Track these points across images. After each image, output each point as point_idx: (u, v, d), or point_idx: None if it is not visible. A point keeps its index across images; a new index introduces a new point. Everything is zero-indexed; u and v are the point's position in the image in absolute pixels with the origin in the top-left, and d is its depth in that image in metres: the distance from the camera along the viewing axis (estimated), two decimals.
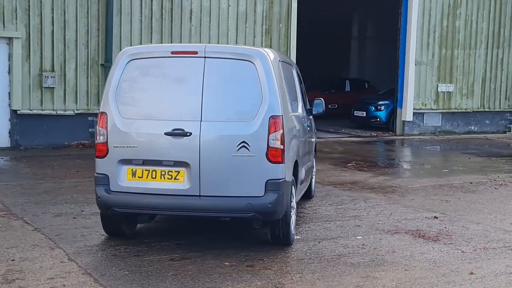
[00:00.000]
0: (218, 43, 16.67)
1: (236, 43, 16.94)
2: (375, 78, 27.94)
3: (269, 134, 6.35)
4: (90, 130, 15.29)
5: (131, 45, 15.17)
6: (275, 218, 6.51)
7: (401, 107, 20.21)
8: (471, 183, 11.45)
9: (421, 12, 19.89)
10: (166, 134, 6.44)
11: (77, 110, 15.27)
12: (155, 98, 6.64)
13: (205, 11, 16.56)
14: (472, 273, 6.10)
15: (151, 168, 6.50)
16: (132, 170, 6.54)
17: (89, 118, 15.36)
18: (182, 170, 6.43)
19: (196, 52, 6.58)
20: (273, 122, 6.37)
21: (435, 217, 8.50)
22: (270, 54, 6.68)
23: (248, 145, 6.35)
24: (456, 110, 21.02)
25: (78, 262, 6.18)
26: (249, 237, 7.32)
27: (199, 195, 6.43)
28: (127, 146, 6.53)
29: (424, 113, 20.46)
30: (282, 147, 6.40)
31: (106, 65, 15.15)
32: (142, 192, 6.52)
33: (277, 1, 17.50)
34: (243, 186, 6.39)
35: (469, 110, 21.25)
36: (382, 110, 21.26)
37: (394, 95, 20.70)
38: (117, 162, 6.54)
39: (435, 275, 5.99)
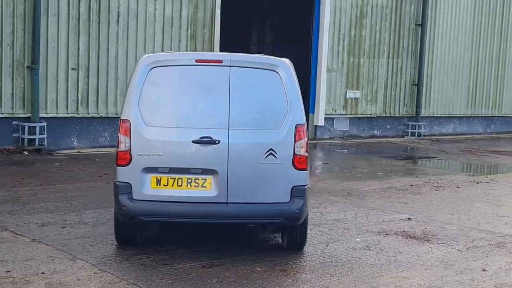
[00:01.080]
0: (145, 47, 16.57)
1: (163, 48, 16.90)
2: None
3: (295, 142, 6.56)
4: (14, 135, 14.66)
5: (57, 47, 14.80)
6: (299, 223, 6.73)
7: (313, 113, 20.93)
8: (411, 185, 12.18)
9: (332, 21, 20.70)
10: (194, 142, 6.47)
11: (1, 114, 14.55)
12: (180, 106, 6.64)
13: (132, 14, 16.34)
14: (484, 269, 6.62)
15: (177, 176, 6.50)
16: (156, 178, 6.50)
17: (14, 123, 14.71)
18: (209, 177, 6.49)
19: (221, 61, 6.66)
20: (299, 130, 6.60)
21: (409, 218, 9.04)
22: (290, 63, 6.89)
23: (276, 152, 6.53)
24: (362, 116, 22.04)
25: (112, 273, 6.08)
26: (256, 242, 7.48)
27: (226, 202, 6.51)
28: (153, 154, 6.49)
29: (334, 118, 21.29)
30: (307, 154, 6.64)
31: (33, 67, 14.58)
32: (167, 200, 6.51)
33: (201, 6, 17.59)
34: (270, 192, 6.56)
35: (373, 115, 22.36)
36: None
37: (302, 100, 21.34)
38: (141, 170, 6.48)
39: (454, 273, 6.46)
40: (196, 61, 6.70)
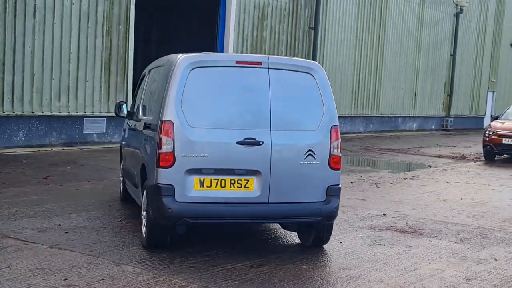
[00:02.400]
0: (61, 43, 15.95)
1: (79, 44, 16.35)
2: None
3: (331, 142, 6.79)
4: None
5: None
6: (333, 221, 6.98)
7: None
8: (351, 182, 12.79)
9: (237, 21, 21.01)
10: (238, 143, 6.50)
11: None
12: (223, 107, 6.62)
13: (49, 8, 15.66)
14: (495, 259, 7.23)
15: (220, 177, 6.50)
16: (200, 179, 6.46)
17: None
18: (252, 178, 6.56)
19: (260, 63, 6.73)
20: (334, 132, 6.83)
21: (384, 214, 9.55)
22: (321, 67, 7.10)
23: (314, 153, 6.72)
24: None
25: (171, 277, 5.97)
26: (272, 241, 7.61)
27: (268, 202, 6.61)
28: (197, 156, 6.44)
29: None
30: (340, 154, 6.89)
31: None
32: (211, 201, 6.48)
33: (117, 2, 17.19)
34: (308, 192, 6.74)
35: None
36: None
37: None
38: (184, 171, 6.40)
39: (475, 264, 7.00)
40: (237, 62, 6.71)
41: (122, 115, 9.04)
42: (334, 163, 6.81)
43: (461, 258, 7.20)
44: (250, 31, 21.63)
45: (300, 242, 7.52)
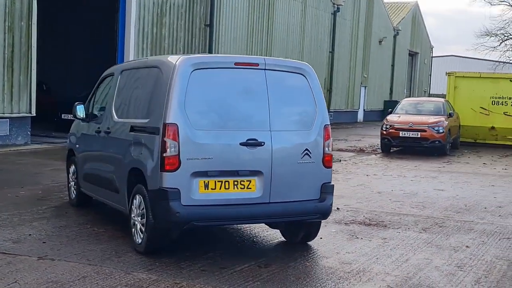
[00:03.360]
0: None
1: None
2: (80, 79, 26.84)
3: (324, 141, 6.98)
4: None
5: None
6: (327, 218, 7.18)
7: None
8: None
9: (137, 18, 20.65)
10: (242, 144, 6.53)
11: None
12: (224, 108, 6.60)
13: None
14: (467, 246, 7.74)
15: (223, 179, 6.49)
16: (204, 182, 6.41)
17: None
18: (254, 179, 6.61)
19: (257, 64, 6.77)
20: (327, 130, 7.03)
21: (337, 208, 9.87)
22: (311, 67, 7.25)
23: (310, 152, 6.88)
24: None
25: (194, 282, 5.90)
26: (260, 241, 7.69)
27: (269, 202, 6.69)
28: (202, 158, 6.39)
29: None
30: (332, 153, 7.10)
31: None
32: (215, 204, 6.46)
33: None
34: (304, 190, 6.88)
35: None
36: None
37: None
38: (190, 175, 6.34)
39: (453, 251, 7.44)
40: (235, 64, 6.71)
41: (79, 117, 8.70)
42: (327, 161, 7.00)
43: (438, 247, 7.64)
44: (150, 28, 21.34)
45: (284, 240, 7.62)
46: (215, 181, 6.44)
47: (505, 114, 23.46)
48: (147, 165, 6.57)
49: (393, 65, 48.03)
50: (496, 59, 62.52)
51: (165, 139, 6.28)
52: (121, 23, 20.37)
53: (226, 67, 6.67)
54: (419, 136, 19.37)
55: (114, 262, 6.44)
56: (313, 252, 7.19)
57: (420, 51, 56.09)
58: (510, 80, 23.72)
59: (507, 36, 58.63)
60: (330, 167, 7.04)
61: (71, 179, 9.43)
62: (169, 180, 6.29)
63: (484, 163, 18.05)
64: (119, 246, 7.06)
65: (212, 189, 6.43)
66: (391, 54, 47.63)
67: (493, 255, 7.35)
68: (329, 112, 35.94)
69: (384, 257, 7.08)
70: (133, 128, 7.04)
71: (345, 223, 8.78)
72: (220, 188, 6.46)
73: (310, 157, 6.86)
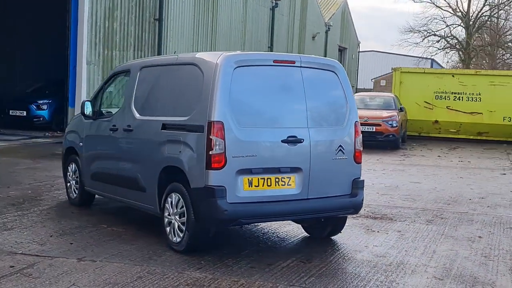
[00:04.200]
0: None
1: None
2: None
3: (355, 137, 7.13)
4: None
5: None
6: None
7: (73, 106, 20.13)
8: None
9: (89, 12, 20.18)
10: (283, 141, 6.59)
11: None
12: (265, 105, 6.64)
13: None
14: (480, 236, 8.08)
15: (266, 176, 6.54)
16: (248, 179, 6.44)
17: None
18: (293, 175, 6.69)
19: (294, 62, 6.84)
20: (357, 127, 7.18)
21: None
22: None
23: (343, 148, 7.02)
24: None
25: (252, 280, 5.92)
26: (286, 238, 7.77)
27: (307, 198, 6.79)
28: (247, 156, 6.41)
29: None
30: (362, 149, 7.26)
31: None
32: (258, 201, 6.50)
33: None
34: (338, 186, 7.02)
35: None
36: (45, 109, 20.78)
37: (56, 93, 20.59)
38: (235, 172, 6.35)
39: (471, 242, 7.73)
40: (274, 61, 6.75)
41: (87, 114, 8.52)
42: (357, 157, 7.14)
43: (453, 238, 7.93)
44: (102, 22, 20.88)
45: (307, 235, 7.72)
46: (258, 179, 6.47)
47: (448, 108, 24.36)
48: (188, 163, 6.51)
49: None
50: (419, 55, 64.72)
51: (211, 137, 6.25)
52: (73, 17, 19.83)
53: (266, 64, 6.70)
54: (374, 130, 19.83)
55: (158, 262, 6.37)
56: (343, 246, 7.33)
57: (349, 46, 57.24)
58: (453, 76, 24.65)
59: (430, 33, 60.74)
60: (360, 163, 7.20)
61: (70, 178, 9.19)
62: (215, 178, 6.27)
63: (438, 156, 18.72)
64: (151, 245, 6.97)
65: (255, 186, 6.46)
66: (323, 49, 48.39)
67: (508, 245, 7.68)
68: None
69: (411, 249, 7.29)
70: (165, 126, 6.94)
71: (353, 217, 8.94)
72: (263, 185, 6.50)
73: (343, 153, 6.99)
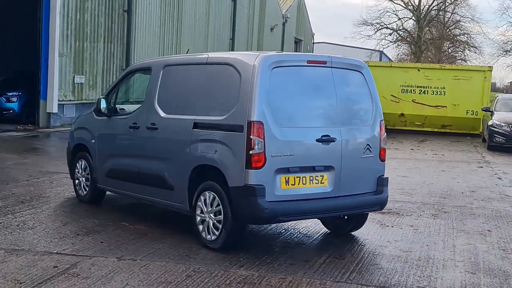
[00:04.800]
0: None
1: None
2: None
3: (380, 136, 7.35)
4: None
5: None
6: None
7: (45, 99, 19.87)
8: None
9: (61, 3, 19.87)
10: (317, 140, 6.75)
11: None
12: (300, 105, 6.78)
13: None
14: (489, 230, 8.41)
15: (302, 174, 6.68)
16: (285, 178, 6.58)
17: None
18: (326, 174, 6.85)
19: (325, 62, 7.00)
20: (382, 125, 7.39)
21: None
22: None
23: (370, 146, 7.22)
24: (86, 101, 21.71)
25: (298, 276, 6.06)
26: (308, 235, 7.93)
27: (338, 196, 6.97)
28: (285, 155, 6.54)
29: (64, 104, 20.57)
30: (386, 146, 7.48)
31: None
32: (294, 199, 6.64)
33: None
34: (365, 183, 7.22)
35: (94, 100, 22.16)
36: (15, 102, 20.41)
37: (26, 85, 20.27)
38: (273, 171, 6.48)
39: (482, 236, 8.04)
40: (307, 62, 6.89)
41: (103, 111, 8.49)
42: (382, 155, 7.36)
43: (465, 233, 8.23)
44: (74, 13, 20.61)
45: (328, 231, 7.90)
46: (294, 177, 6.62)
47: (413, 102, 24.92)
48: (226, 162, 6.59)
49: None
50: (372, 47, 65.76)
51: (251, 136, 6.35)
52: (45, 8, 19.50)
53: (299, 65, 6.83)
54: None
55: (198, 260, 6.45)
56: (367, 242, 7.53)
57: (304, 38, 57.70)
58: (418, 70, 25.22)
59: (382, 26, 61.79)
60: (385, 160, 7.41)
61: (80, 176, 9.14)
62: (255, 177, 6.38)
63: (411, 149, 19.17)
64: (182, 243, 7.03)
65: (292, 184, 6.60)
66: (281, 41, 48.69)
67: None
68: None
69: (431, 244, 7.55)
70: (197, 125, 7.00)
71: None
72: (298, 184, 6.65)
73: (370, 151, 7.19)
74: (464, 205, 10.12)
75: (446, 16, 63.67)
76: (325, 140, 6.77)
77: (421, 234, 8.02)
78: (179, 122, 7.30)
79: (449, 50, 70.68)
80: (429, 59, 66.76)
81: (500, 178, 13.41)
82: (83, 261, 6.26)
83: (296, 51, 55.12)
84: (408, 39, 62.23)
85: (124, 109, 8.68)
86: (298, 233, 7.85)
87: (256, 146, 6.35)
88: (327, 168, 6.81)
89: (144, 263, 6.28)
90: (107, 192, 9.00)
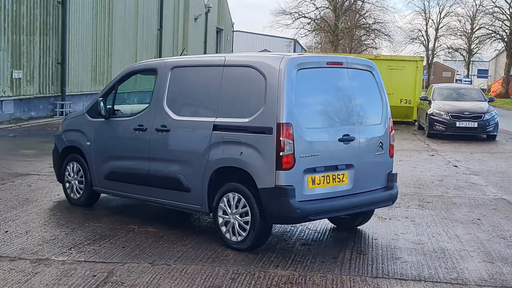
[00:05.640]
0: None
1: None
2: None
3: (390, 133, 7.61)
4: None
5: None
6: None
7: None
8: None
9: None
10: (339, 140, 6.94)
11: None
12: (323, 106, 6.95)
13: None
14: (479, 219, 8.86)
15: (326, 173, 6.86)
16: (312, 178, 6.74)
17: None
18: (346, 172, 7.06)
19: (342, 63, 7.18)
20: (391, 123, 7.66)
21: None
22: None
23: (382, 144, 7.48)
24: (24, 97, 21.04)
25: (334, 274, 6.24)
26: (317, 231, 8.11)
27: (357, 193, 7.19)
28: (312, 155, 6.69)
29: (3, 101, 19.86)
30: (393, 144, 7.76)
31: None
32: (320, 198, 6.81)
33: None
34: (377, 180, 7.47)
35: (32, 96, 21.55)
36: None
37: None
38: (302, 171, 6.62)
39: (477, 225, 8.47)
40: (327, 63, 7.04)
41: (102, 113, 8.34)
42: (391, 152, 7.63)
43: (460, 222, 8.61)
44: (10, 5, 19.86)
45: (333, 226, 8.10)
46: (319, 176, 6.77)
47: None
48: (254, 164, 6.65)
49: (205, 42, 48.98)
50: (291, 37, 66.59)
51: (281, 138, 6.45)
52: None
53: (320, 66, 6.98)
54: None
55: (232, 262, 6.49)
56: (377, 236, 7.78)
57: (224, 27, 57.69)
58: None
59: (300, 15, 62.68)
60: (393, 156, 7.67)
61: (72, 178, 8.94)
62: (285, 178, 6.49)
63: None
64: (203, 245, 7.05)
65: (317, 184, 6.76)
66: (204, 31, 48.53)
67: (507, 224, 8.52)
68: None
69: (436, 235, 7.89)
70: (217, 127, 7.01)
71: None
72: (323, 183, 6.81)
73: (382, 148, 7.45)
74: (441, 195, 10.57)
75: (358, 4, 65.30)
76: (346, 139, 6.95)
77: (421, 225, 8.34)
78: (195, 124, 7.28)
79: (361, 38, 72.67)
80: (346, 48, 68.44)
81: (456, 166, 14.03)
82: (118, 268, 6.19)
83: (217, 41, 55.08)
84: (325, 28, 63.39)
85: (120, 110, 8.55)
86: (309, 230, 7.99)
87: (286, 148, 6.45)
88: (348, 167, 7.00)
89: (180, 267, 6.27)
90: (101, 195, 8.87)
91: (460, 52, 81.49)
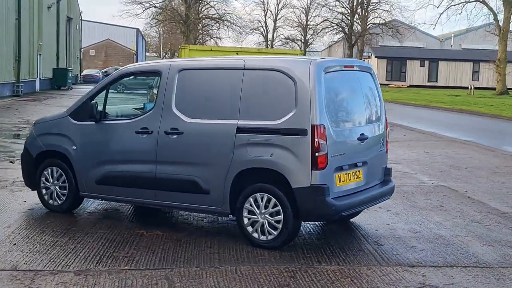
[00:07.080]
0: None
1: None
2: None
3: (385, 130, 8.17)
4: None
5: None
6: None
7: None
8: None
9: None
10: (358, 139, 7.38)
11: None
12: (344, 107, 7.36)
13: None
14: (441, 205, 9.69)
15: (349, 171, 7.26)
16: (339, 176, 7.11)
17: None
18: (361, 169, 7.51)
19: (353, 66, 7.62)
20: (386, 121, 8.21)
21: None
22: None
23: (383, 141, 8.02)
24: None
25: (384, 266, 6.66)
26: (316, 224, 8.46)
27: (368, 188, 7.67)
28: (339, 155, 7.06)
29: None
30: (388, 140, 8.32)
31: None
32: (344, 194, 7.19)
33: None
34: (377, 175, 7.98)
35: None
36: None
37: None
38: (333, 170, 6.98)
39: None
40: (344, 66, 7.42)
41: (95, 116, 8.08)
42: (387, 147, 8.18)
43: (429, 210, 9.32)
44: None
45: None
46: (344, 174, 7.15)
47: None
48: (287, 164, 6.84)
49: (58, 31, 47.18)
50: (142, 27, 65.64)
51: (316, 139, 6.74)
52: None
53: (340, 69, 7.35)
54: None
55: (273, 261, 6.64)
56: (373, 227, 8.24)
57: (74, 16, 55.80)
58: (237, 53, 26.21)
59: (151, 4, 62.07)
60: (387, 152, 8.22)
61: (50, 184, 8.54)
62: (320, 177, 6.80)
63: None
64: (228, 246, 7.10)
65: (343, 181, 7.14)
66: (56, 20, 46.72)
67: (468, 209, 9.40)
68: (19, 82, 34.27)
69: (423, 223, 8.51)
70: (241, 129, 7.11)
71: None
72: (346, 180, 7.20)
73: (383, 145, 7.97)
74: (401, 183, 11.24)
75: None
76: (362, 138, 7.39)
77: (401, 215, 8.94)
78: (214, 126, 7.31)
79: (204, 28, 73.47)
80: (192, 38, 68.77)
81: None
82: (173, 274, 6.17)
83: (67, 30, 53.14)
84: (176, 18, 63.23)
85: (108, 113, 8.33)
86: (310, 224, 8.28)
87: (321, 148, 6.74)
88: (363, 164, 7.44)
89: (231, 269, 6.36)
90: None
91: (296, 43, 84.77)
